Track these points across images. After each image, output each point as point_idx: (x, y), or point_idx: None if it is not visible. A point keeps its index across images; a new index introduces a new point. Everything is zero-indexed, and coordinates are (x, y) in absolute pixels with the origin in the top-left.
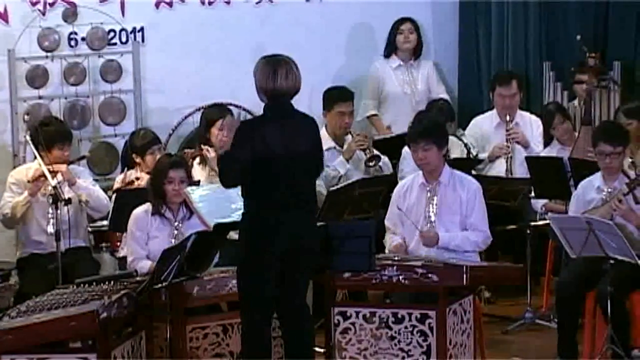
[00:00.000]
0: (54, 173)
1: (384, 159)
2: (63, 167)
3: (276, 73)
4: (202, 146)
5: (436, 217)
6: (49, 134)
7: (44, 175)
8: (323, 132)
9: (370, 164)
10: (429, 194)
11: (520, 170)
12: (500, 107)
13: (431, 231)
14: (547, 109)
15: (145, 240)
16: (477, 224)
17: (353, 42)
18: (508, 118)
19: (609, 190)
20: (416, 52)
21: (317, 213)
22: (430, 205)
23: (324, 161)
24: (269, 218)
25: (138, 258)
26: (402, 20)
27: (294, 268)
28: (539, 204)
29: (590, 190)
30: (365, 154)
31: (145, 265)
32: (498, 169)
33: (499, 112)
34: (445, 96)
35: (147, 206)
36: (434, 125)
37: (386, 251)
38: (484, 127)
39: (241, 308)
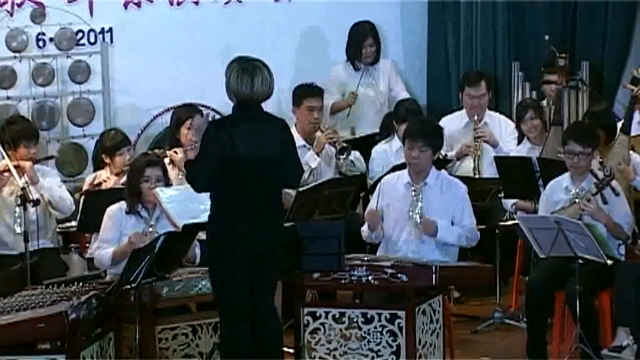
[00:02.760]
0: (20, 174)
1: (356, 153)
2: (27, 164)
3: (253, 80)
4: (168, 151)
5: (421, 217)
6: (15, 133)
7: (7, 170)
8: (293, 131)
9: (341, 156)
10: (413, 194)
11: (490, 170)
12: (469, 107)
13: (428, 220)
14: (523, 103)
15: (117, 237)
16: (469, 226)
17: (322, 43)
18: (476, 118)
19: (577, 190)
20: (377, 57)
21: (284, 217)
22: (415, 206)
23: (299, 163)
24: (234, 221)
25: (102, 247)
26: (363, 33)
27: (258, 273)
28: (509, 202)
29: (558, 190)
30: (335, 147)
31: (107, 253)
32: (466, 168)
33: (467, 112)
34: (405, 94)
35: (122, 203)
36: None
37: (362, 232)
38: (453, 127)
39: (218, 309)
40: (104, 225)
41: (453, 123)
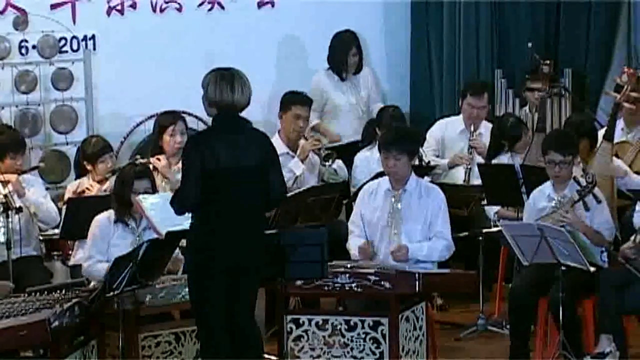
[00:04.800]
0: (4, 183)
1: (338, 162)
2: (13, 177)
3: (234, 87)
4: (151, 158)
5: (399, 224)
6: (1, 143)
7: None
8: (276, 138)
9: (327, 162)
10: (393, 200)
11: (478, 181)
12: (467, 116)
13: (401, 248)
14: (510, 122)
15: (106, 247)
16: (442, 233)
17: (306, 49)
18: (472, 128)
19: (560, 198)
20: (359, 65)
21: (266, 229)
22: (394, 212)
23: (283, 181)
24: (214, 232)
25: (96, 261)
26: (347, 43)
27: (237, 285)
28: (492, 210)
29: (541, 198)
30: (320, 155)
31: (102, 268)
32: (456, 176)
33: (465, 121)
34: (380, 103)
35: (109, 213)
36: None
37: (351, 254)
38: (448, 132)
39: (195, 319)
40: (93, 236)
41: (448, 128)
